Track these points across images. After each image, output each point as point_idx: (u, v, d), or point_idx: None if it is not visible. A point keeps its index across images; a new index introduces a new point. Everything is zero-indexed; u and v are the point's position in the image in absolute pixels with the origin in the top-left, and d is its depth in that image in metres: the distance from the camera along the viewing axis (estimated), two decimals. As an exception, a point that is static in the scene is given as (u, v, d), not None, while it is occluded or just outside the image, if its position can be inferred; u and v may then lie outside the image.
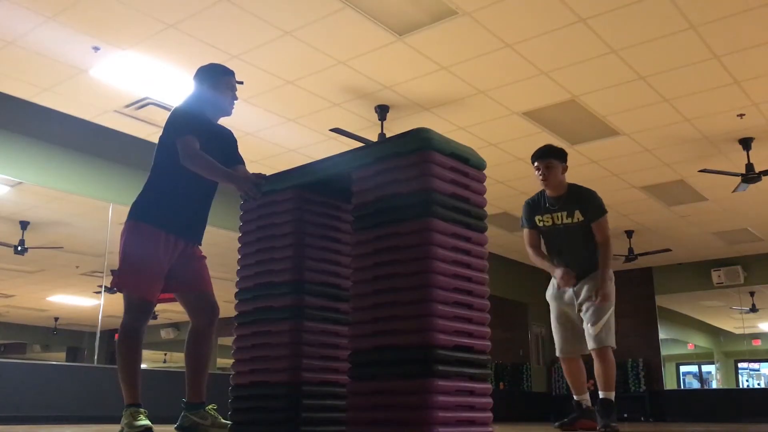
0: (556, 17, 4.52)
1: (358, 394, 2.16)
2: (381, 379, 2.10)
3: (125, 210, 2.98)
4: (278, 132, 6.34)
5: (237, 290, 2.70)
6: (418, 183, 2.15)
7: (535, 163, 4.21)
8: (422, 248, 2.09)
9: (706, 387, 12.99)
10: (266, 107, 5.85)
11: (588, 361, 4.10)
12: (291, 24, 4.63)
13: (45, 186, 5.96)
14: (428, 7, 4.43)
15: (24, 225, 6.52)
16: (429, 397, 1.97)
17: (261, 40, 4.82)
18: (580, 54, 4.99)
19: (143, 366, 2.93)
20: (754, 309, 11.16)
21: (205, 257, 3.04)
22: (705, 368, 13.48)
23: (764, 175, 6.58)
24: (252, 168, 3.16)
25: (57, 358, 9.54)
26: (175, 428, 2.90)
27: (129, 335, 2.83)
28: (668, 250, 10.05)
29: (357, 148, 2.45)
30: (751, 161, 6.58)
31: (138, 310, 2.84)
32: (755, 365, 12.62)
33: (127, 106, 5.84)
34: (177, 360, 8.97)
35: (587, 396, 4.23)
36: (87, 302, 7.22)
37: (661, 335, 11.36)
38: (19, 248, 6.45)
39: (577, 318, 4.09)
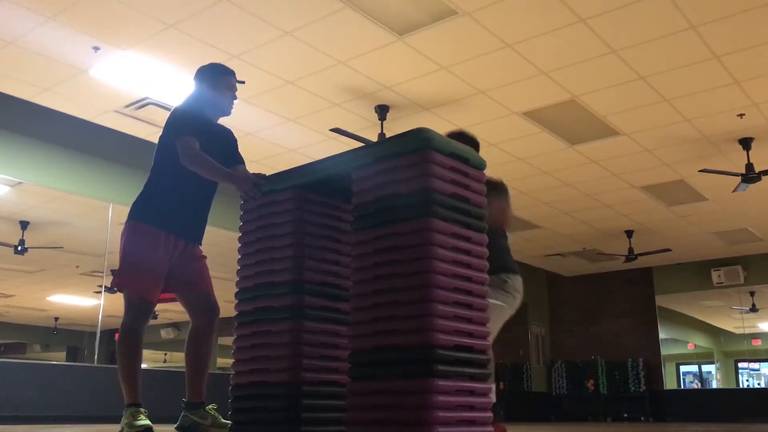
0: (556, 17, 4.52)
1: (358, 394, 2.16)
2: (381, 379, 2.10)
3: (125, 210, 2.98)
4: (278, 132, 6.34)
5: (237, 290, 2.70)
6: (418, 183, 2.15)
7: None
8: (422, 248, 2.09)
9: (706, 387, 12.99)
10: (266, 107, 5.85)
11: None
12: (291, 24, 4.63)
13: (45, 186, 5.96)
14: (428, 7, 4.43)
15: (24, 225, 6.52)
16: (429, 397, 1.97)
17: (261, 40, 4.82)
18: (580, 54, 4.99)
19: (143, 366, 2.93)
20: (754, 309, 11.16)
21: (205, 257, 3.04)
22: (705, 368, 13.48)
23: (764, 175, 6.58)
24: (252, 168, 3.16)
25: (57, 358, 9.54)
26: (176, 428, 2.90)
27: (129, 335, 2.83)
28: (668, 250, 10.05)
29: (357, 148, 2.45)
30: (751, 161, 6.58)
31: (138, 310, 2.84)
32: (755, 365, 12.62)
33: (127, 106, 5.84)
34: (177, 360, 8.98)
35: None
36: (87, 302, 7.23)
37: (661, 335, 11.36)
38: (19, 248, 6.45)
39: None
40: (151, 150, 3.02)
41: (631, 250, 9.78)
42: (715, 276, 10.80)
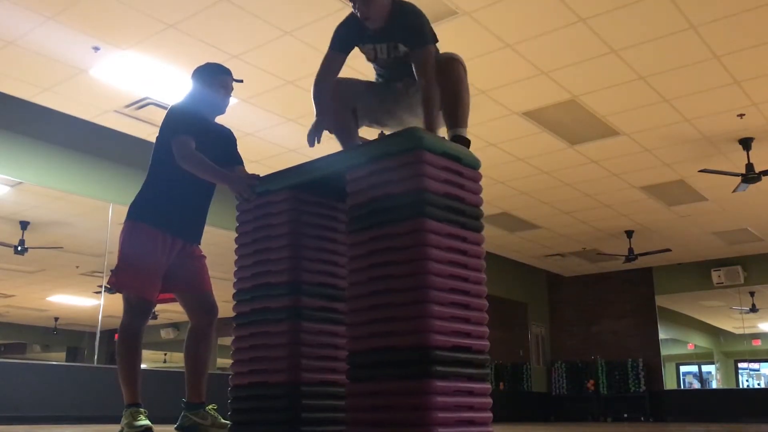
0: (556, 17, 4.52)
1: (357, 396, 2.15)
2: (379, 380, 2.10)
3: (125, 210, 2.98)
4: (278, 132, 6.34)
5: (234, 291, 2.70)
6: (411, 183, 2.14)
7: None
8: (416, 249, 2.08)
9: (706, 387, 12.98)
10: (266, 107, 5.84)
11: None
12: (291, 24, 4.63)
13: (45, 186, 5.96)
14: (428, 7, 4.42)
15: (24, 225, 6.53)
16: (427, 398, 1.97)
17: (261, 40, 4.82)
18: (580, 54, 4.99)
19: (143, 366, 2.93)
20: (754, 309, 11.15)
21: (204, 257, 3.04)
22: (705, 368, 13.48)
23: (764, 175, 6.58)
24: (252, 168, 3.16)
25: (57, 358, 9.55)
26: (175, 428, 2.91)
27: (128, 335, 2.83)
28: (668, 250, 10.05)
29: (350, 148, 2.44)
30: (751, 161, 6.58)
31: (137, 310, 2.85)
32: (755, 365, 12.61)
33: (127, 106, 5.84)
34: (177, 360, 8.98)
35: None
36: (87, 302, 7.23)
37: (661, 335, 11.36)
38: (19, 248, 6.45)
39: None
40: (151, 150, 3.02)
41: (631, 250, 9.77)
42: (715, 276, 10.79)
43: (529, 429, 5.50)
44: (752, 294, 11.06)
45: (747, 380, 12.62)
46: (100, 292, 6.33)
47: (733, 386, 12.46)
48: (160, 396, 3.89)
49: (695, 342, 13.64)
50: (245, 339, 2.60)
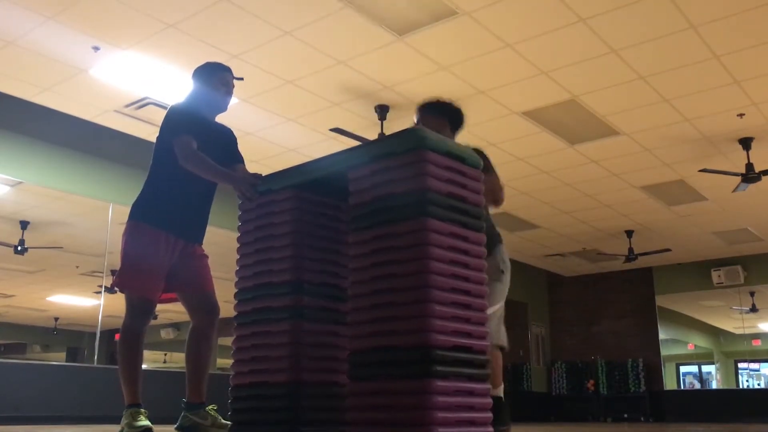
0: (556, 17, 4.52)
1: (357, 395, 2.15)
2: (380, 379, 2.10)
3: (125, 210, 2.98)
4: (278, 132, 6.34)
5: (236, 290, 2.70)
6: (414, 182, 2.14)
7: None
8: (419, 248, 2.08)
9: (706, 387, 12.98)
10: (266, 107, 5.85)
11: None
12: (291, 24, 4.63)
13: (45, 186, 5.96)
14: (428, 7, 4.43)
15: (24, 225, 6.52)
16: (428, 398, 1.97)
17: (261, 40, 4.82)
18: (580, 54, 4.99)
19: (143, 366, 2.93)
20: (754, 309, 11.15)
21: (206, 256, 3.04)
22: (705, 368, 13.48)
23: (764, 175, 6.58)
24: (252, 168, 3.16)
25: (57, 358, 9.54)
26: (175, 428, 2.90)
27: (130, 336, 2.83)
28: (668, 250, 10.05)
29: (352, 147, 2.44)
30: (751, 161, 6.58)
31: (139, 310, 2.85)
32: (755, 365, 12.61)
33: (127, 105, 5.84)
34: (177, 360, 8.98)
35: (499, 392, 3.24)
36: (87, 302, 7.22)
37: (661, 335, 11.36)
38: (19, 248, 6.45)
39: None
40: (151, 149, 3.02)
41: (631, 250, 9.78)
42: (715, 276, 10.79)
43: (529, 429, 5.50)
44: (752, 294, 11.06)
45: (747, 380, 12.61)
46: (100, 292, 6.33)
47: (733, 386, 12.46)
48: (160, 396, 3.89)
49: (695, 342, 13.64)
50: (246, 338, 2.60)
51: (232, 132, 3.16)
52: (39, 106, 5.80)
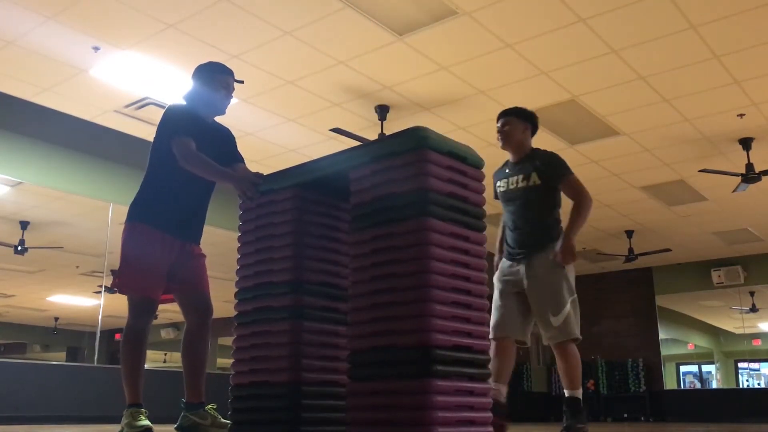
0: (556, 17, 4.52)
1: (358, 395, 2.15)
2: (380, 379, 2.10)
3: (125, 210, 2.98)
4: (278, 132, 6.34)
5: (236, 290, 2.70)
6: (415, 182, 2.14)
7: (497, 124, 3.74)
8: (420, 248, 2.09)
9: (706, 387, 12.99)
10: (266, 107, 5.85)
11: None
12: (291, 24, 4.63)
13: (45, 186, 5.96)
14: (428, 7, 4.43)
15: (24, 225, 6.52)
16: (428, 398, 1.97)
17: (261, 40, 4.82)
18: (580, 54, 4.99)
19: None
20: (754, 309, 11.15)
21: (203, 256, 3.04)
22: (705, 368, 13.47)
23: (764, 175, 6.58)
24: (252, 168, 3.15)
25: (57, 358, 9.54)
26: (175, 428, 2.90)
27: (132, 336, 2.84)
28: (668, 250, 10.05)
29: (354, 147, 2.44)
30: (751, 161, 6.58)
31: (141, 310, 2.85)
32: (755, 365, 12.61)
33: (127, 106, 5.84)
34: (177, 360, 8.98)
35: (505, 389, 3.47)
36: (87, 302, 7.23)
37: (661, 335, 11.36)
38: (19, 248, 6.45)
39: (522, 302, 3.51)
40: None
41: (631, 250, 9.77)
42: (715, 276, 10.79)
43: (529, 429, 5.50)
44: (752, 294, 11.06)
45: (747, 380, 12.61)
46: (100, 292, 6.33)
47: (733, 386, 12.46)
48: (160, 396, 3.89)
49: (695, 342, 13.64)
50: (246, 338, 2.60)
51: (230, 132, 3.16)
52: (39, 106, 5.80)
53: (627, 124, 6.20)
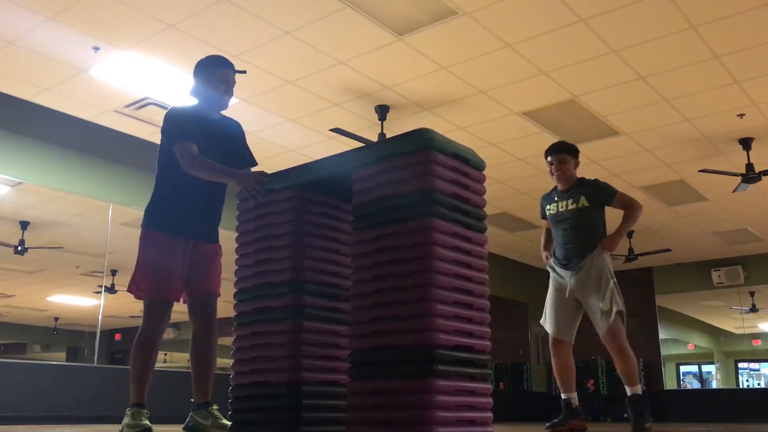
0: (556, 17, 4.52)
1: (358, 394, 2.16)
2: (381, 379, 2.10)
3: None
4: (278, 132, 6.34)
5: (236, 290, 2.70)
6: (420, 183, 2.15)
7: (548, 158, 4.25)
8: (422, 248, 2.09)
9: (706, 387, 12.99)
10: (266, 107, 5.85)
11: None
12: (291, 24, 4.63)
13: (45, 186, 5.96)
14: (428, 7, 4.43)
15: (24, 225, 6.52)
16: (429, 397, 1.97)
17: (261, 40, 4.82)
18: (580, 54, 4.99)
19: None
20: (754, 309, 11.15)
21: (218, 254, 3.02)
22: (705, 368, 13.48)
23: (764, 175, 6.58)
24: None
25: (57, 358, 9.53)
26: (183, 428, 2.93)
27: (145, 340, 2.87)
28: (668, 250, 10.05)
29: (358, 148, 2.45)
30: (751, 161, 6.58)
31: (153, 312, 2.87)
32: (755, 365, 12.61)
33: (127, 106, 5.84)
34: (177, 360, 8.98)
35: (575, 395, 4.19)
36: (87, 302, 7.22)
37: (661, 335, 11.36)
38: (19, 248, 6.45)
39: (574, 304, 4.10)
40: (151, 150, 3.03)
41: (631, 250, 9.78)
42: (715, 276, 10.80)
43: (529, 429, 5.50)
44: (752, 294, 11.06)
45: (747, 380, 12.61)
46: (100, 292, 6.33)
47: (733, 386, 12.46)
48: (160, 396, 3.89)
49: (695, 342, 13.64)
50: (246, 338, 2.60)
51: (239, 126, 3.15)
52: (39, 106, 5.80)
53: (627, 124, 6.20)
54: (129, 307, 6.00)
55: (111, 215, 6.17)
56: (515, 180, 7.57)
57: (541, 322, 4.26)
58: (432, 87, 5.51)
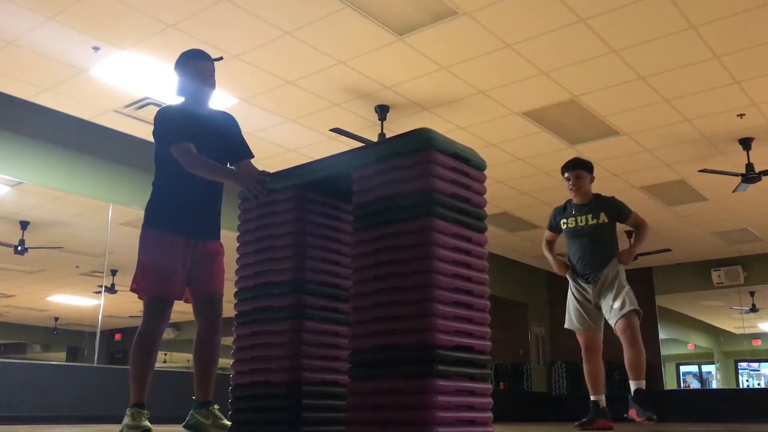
0: (556, 17, 4.52)
1: (358, 394, 2.16)
2: (381, 379, 2.10)
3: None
4: (278, 132, 6.34)
5: (236, 290, 2.70)
6: (420, 183, 2.15)
7: (566, 174, 4.59)
8: (423, 248, 2.09)
9: (706, 387, 12.98)
10: (266, 107, 5.85)
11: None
12: (291, 24, 4.63)
13: (45, 186, 5.96)
14: (428, 7, 4.43)
15: (24, 225, 6.52)
16: (429, 397, 1.97)
17: (261, 40, 4.82)
18: (580, 54, 4.99)
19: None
20: (754, 309, 11.15)
21: (221, 253, 3.01)
22: (705, 368, 13.48)
23: (764, 175, 6.58)
24: (252, 168, 3.14)
25: (57, 358, 9.53)
26: (183, 426, 2.93)
27: (145, 340, 2.86)
28: (668, 250, 10.05)
29: (358, 148, 2.45)
30: (751, 161, 6.58)
31: (153, 311, 2.86)
32: (755, 365, 12.61)
33: (127, 106, 5.84)
34: (177, 360, 8.98)
35: (603, 396, 4.46)
36: (87, 302, 7.22)
37: (661, 335, 11.35)
38: (19, 248, 6.45)
39: (594, 307, 4.48)
40: (151, 149, 3.03)
41: (631, 250, 9.75)
42: (715, 276, 10.79)
43: (529, 429, 5.50)
44: (752, 294, 11.06)
45: (747, 380, 12.61)
46: (100, 292, 6.33)
47: (733, 386, 12.46)
48: (160, 396, 3.89)
49: (695, 342, 13.64)
50: (247, 338, 2.60)
51: (231, 118, 3.13)
52: (39, 106, 5.80)
53: (627, 124, 6.20)
54: (129, 307, 6.00)
55: (111, 215, 6.16)
56: (515, 180, 7.57)
57: (566, 326, 4.62)
58: (432, 87, 5.51)
